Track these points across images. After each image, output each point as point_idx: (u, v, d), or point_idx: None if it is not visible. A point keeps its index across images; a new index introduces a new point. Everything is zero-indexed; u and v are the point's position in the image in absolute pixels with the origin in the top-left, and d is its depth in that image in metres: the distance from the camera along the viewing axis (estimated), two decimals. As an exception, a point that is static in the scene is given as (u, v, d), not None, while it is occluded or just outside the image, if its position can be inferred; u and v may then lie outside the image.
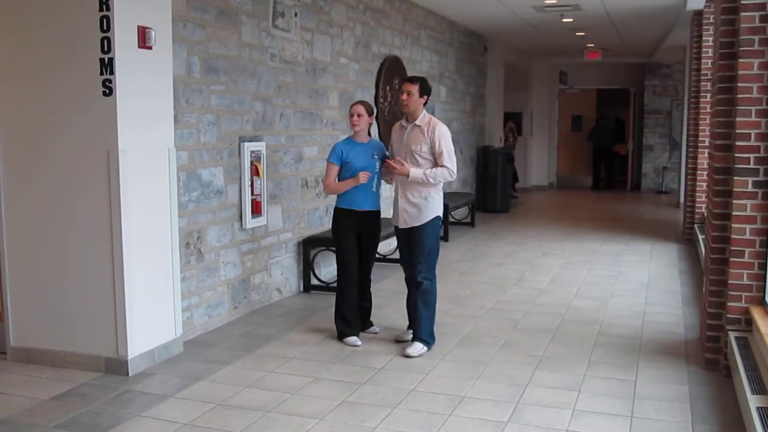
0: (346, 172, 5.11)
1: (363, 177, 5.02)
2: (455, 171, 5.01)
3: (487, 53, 13.21)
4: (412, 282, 5.14)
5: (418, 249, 5.06)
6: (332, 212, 5.29)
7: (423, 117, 5.02)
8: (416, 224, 5.03)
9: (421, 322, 5.04)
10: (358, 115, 5.10)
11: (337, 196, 5.21)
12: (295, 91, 6.62)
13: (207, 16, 5.41)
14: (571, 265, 8.07)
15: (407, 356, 4.89)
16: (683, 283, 7.26)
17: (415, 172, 4.92)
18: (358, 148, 5.14)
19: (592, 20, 10.89)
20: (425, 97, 5.03)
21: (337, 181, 5.14)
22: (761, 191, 4.34)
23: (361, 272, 5.30)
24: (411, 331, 5.17)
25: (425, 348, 4.99)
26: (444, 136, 4.96)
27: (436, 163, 4.96)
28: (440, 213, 5.11)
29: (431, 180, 4.93)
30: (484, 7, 9.95)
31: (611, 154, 17.60)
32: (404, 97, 5.00)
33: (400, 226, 5.12)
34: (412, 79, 5.11)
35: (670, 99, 16.84)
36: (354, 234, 5.19)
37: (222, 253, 5.68)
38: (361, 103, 5.22)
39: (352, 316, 5.22)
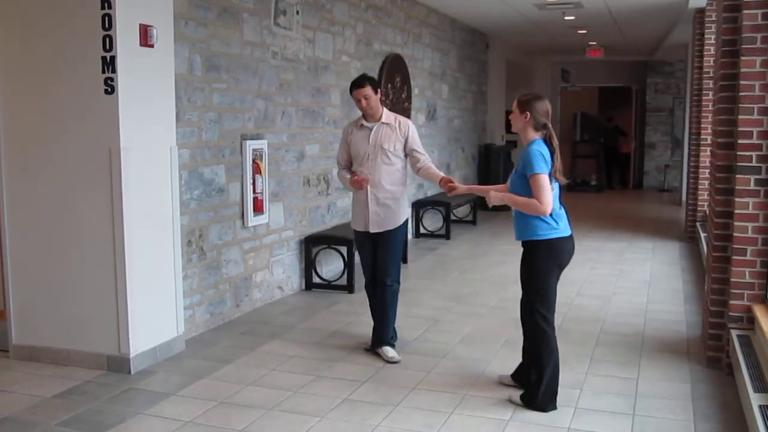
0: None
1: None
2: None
3: (488, 51, 13.20)
4: (380, 285, 4.88)
5: (392, 252, 4.86)
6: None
7: (388, 115, 4.86)
8: (391, 227, 4.83)
9: (390, 325, 4.91)
10: None
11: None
12: (296, 89, 6.62)
13: (209, 14, 5.41)
14: (573, 263, 7.96)
15: (394, 362, 4.76)
16: (685, 281, 7.26)
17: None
18: None
19: (593, 18, 10.88)
20: (379, 92, 4.84)
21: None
22: (763, 189, 4.34)
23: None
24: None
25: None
26: (415, 130, 4.89)
27: (406, 158, 4.86)
28: (408, 215, 4.93)
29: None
30: (486, 5, 9.94)
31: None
32: (363, 103, 4.77)
33: (372, 231, 4.83)
34: (360, 83, 4.78)
35: (672, 97, 16.82)
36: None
37: (224, 251, 5.68)
38: None
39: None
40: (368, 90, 4.76)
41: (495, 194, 4.08)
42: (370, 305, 5.06)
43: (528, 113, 3.96)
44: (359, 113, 4.97)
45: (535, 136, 3.98)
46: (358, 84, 4.81)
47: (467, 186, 5.02)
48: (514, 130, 4.10)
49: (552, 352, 4.01)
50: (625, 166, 17.71)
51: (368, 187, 4.80)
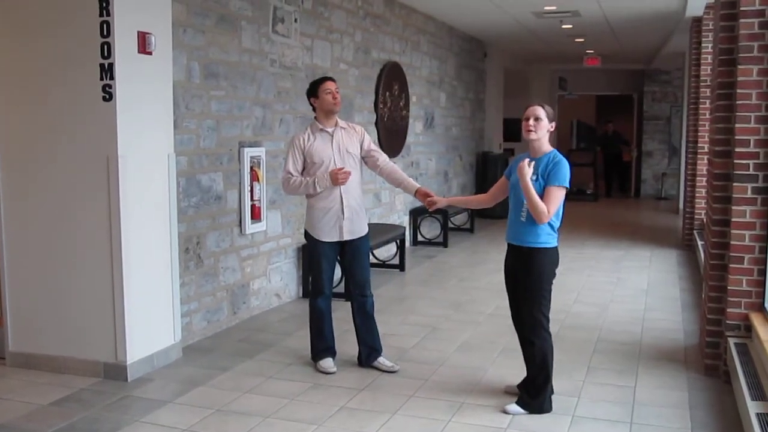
0: None
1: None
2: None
3: (486, 59, 13.24)
4: (359, 298, 4.74)
5: (367, 260, 4.76)
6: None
7: (339, 120, 4.73)
8: (362, 234, 4.69)
9: (378, 335, 4.82)
10: None
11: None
12: (294, 96, 6.63)
13: (207, 21, 5.42)
14: (571, 270, 8.06)
15: (393, 371, 4.72)
16: (682, 289, 7.26)
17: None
18: None
19: (591, 27, 10.92)
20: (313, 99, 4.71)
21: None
22: (760, 197, 4.35)
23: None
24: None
25: None
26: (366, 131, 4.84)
27: (363, 160, 4.77)
28: None
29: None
30: (484, 13, 9.98)
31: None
32: (336, 97, 4.60)
33: (346, 238, 4.63)
34: (331, 78, 4.72)
35: (669, 105, 16.87)
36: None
37: (221, 259, 5.68)
38: None
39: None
40: (337, 86, 4.67)
41: (524, 166, 3.87)
42: (325, 320, 4.77)
43: (554, 124, 4.00)
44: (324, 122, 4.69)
45: (550, 147, 4.02)
46: (330, 78, 4.71)
47: (447, 199, 4.86)
48: (534, 138, 3.95)
49: (551, 354, 4.09)
50: (625, 174, 17.72)
51: (341, 193, 4.57)
